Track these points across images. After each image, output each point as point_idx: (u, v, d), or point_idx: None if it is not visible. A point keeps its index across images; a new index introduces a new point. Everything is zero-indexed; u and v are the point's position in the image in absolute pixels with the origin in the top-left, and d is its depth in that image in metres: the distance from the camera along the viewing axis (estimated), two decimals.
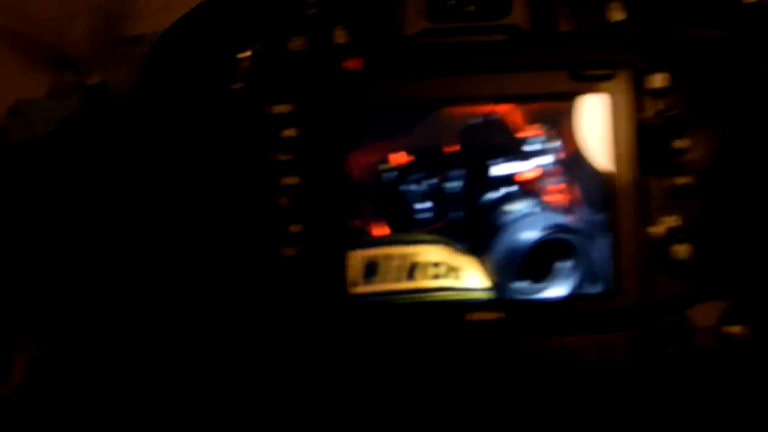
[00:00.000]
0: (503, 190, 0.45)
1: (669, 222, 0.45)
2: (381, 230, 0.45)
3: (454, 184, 0.45)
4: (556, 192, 0.45)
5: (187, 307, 0.47)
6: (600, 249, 0.45)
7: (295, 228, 0.44)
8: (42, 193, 0.54)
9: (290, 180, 0.44)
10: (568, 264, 0.45)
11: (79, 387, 0.53)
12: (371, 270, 0.44)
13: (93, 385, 0.52)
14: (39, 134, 0.62)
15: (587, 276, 0.45)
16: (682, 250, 0.45)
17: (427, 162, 0.45)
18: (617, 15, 0.45)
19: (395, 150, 0.44)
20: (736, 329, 0.46)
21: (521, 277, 0.45)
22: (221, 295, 0.46)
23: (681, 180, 0.45)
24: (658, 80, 0.45)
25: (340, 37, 0.44)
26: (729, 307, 0.46)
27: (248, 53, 0.45)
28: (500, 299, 0.45)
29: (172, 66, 0.54)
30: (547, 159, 0.45)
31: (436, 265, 0.45)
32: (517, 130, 0.45)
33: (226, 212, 0.46)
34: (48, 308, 0.53)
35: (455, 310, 0.45)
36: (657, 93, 0.45)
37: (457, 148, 0.45)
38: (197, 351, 0.47)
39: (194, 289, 0.47)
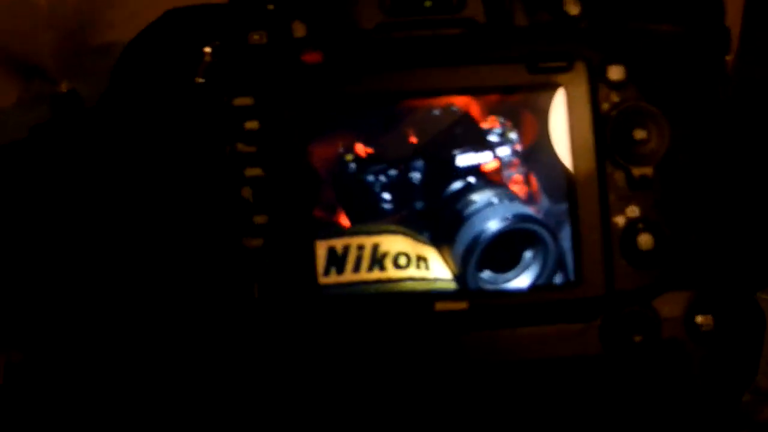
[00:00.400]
0: (464, 181, 0.46)
1: (630, 213, 0.46)
2: (345, 221, 0.46)
3: (416, 175, 0.46)
4: (518, 183, 0.46)
5: (165, 305, 0.48)
6: (564, 240, 0.46)
7: (259, 219, 0.45)
8: (13, 199, 0.55)
9: (254, 171, 0.45)
10: (531, 254, 0.46)
11: (60, 397, 0.53)
12: (338, 260, 0.45)
13: (75, 394, 0.52)
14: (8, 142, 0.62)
15: (552, 266, 0.46)
16: (643, 240, 0.46)
17: (389, 153, 0.45)
18: (573, 9, 0.46)
19: (358, 141, 0.45)
20: (701, 319, 0.48)
21: (486, 268, 0.46)
22: (195, 290, 0.47)
23: (639, 171, 0.46)
24: (614, 72, 0.46)
25: (298, 30, 0.45)
26: (695, 297, 0.48)
27: (209, 48, 0.46)
28: (466, 289, 0.45)
29: (140, 72, 0.55)
30: (507, 150, 0.46)
31: (401, 254, 0.46)
32: (476, 122, 0.46)
33: (193, 206, 0.47)
34: (23, 313, 0.54)
35: (422, 299, 0.45)
36: (613, 85, 0.46)
37: (417, 139, 0.46)
38: (175, 349, 0.48)
39: (171, 286, 0.48)
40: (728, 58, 0.49)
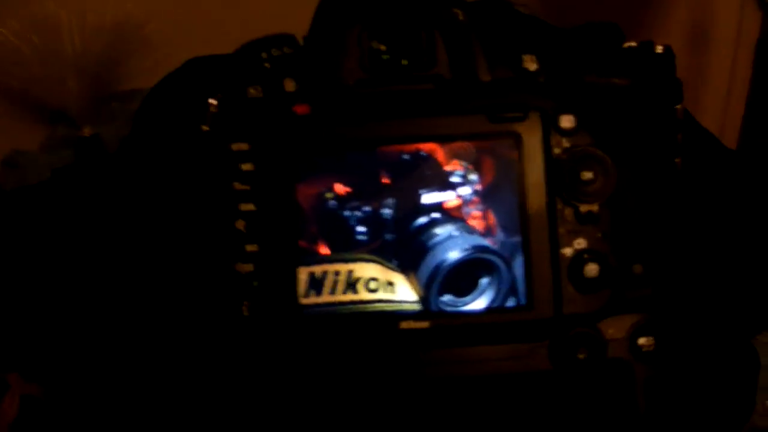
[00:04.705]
0: (429, 217, 0.57)
1: (577, 244, 0.58)
2: (325, 250, 0.57)
3: (387, 211, 0.57)
4: (477, 218, 0.58)
5: (170, 320, 0.60)
6: (517, 268, 0.57)
7: (251, 248, 0.57)
8: (37, 237, 0.67)
9: (247, 207, 0.57)
10: (487, 281, 0.58)
11: (76, 428, 0.63)
12: (317, 284, 0.57)
13: (90, 426, 0.63)
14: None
15: (506, 291, 0.57)
16: (589, 269, 0.57)
17: (365, 192, 0.57)
18: (531, 66, 0.58)
19: (338, 182, 0.57)
20: (643, 340, 0.58)
21: (446, 292, 0.57)
22: (194, 308, 0.59)
23: (586, 207, 0.58)
24: (566, 121, 0.57)
25: (289, 86, 0.57)
26: (639, 321, 0.59)
27: (214, 101, 0.58)
28: (428, 311, 0.57)
29: (159, 120, 0.67)
30: (468, 190, 0.57)
31: (372, 280, 0.57)
32: (441, 165, 0.57)
33: (194, 236, 0.59)
34: (41, 345, 0.65)
35: (389, 319, 0.57)
36: (564, 132, 0.58)
37: (389, 180, 0.57)
38: (176, 356, 0.60)
39: (175, 305, 0.60)
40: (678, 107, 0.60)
